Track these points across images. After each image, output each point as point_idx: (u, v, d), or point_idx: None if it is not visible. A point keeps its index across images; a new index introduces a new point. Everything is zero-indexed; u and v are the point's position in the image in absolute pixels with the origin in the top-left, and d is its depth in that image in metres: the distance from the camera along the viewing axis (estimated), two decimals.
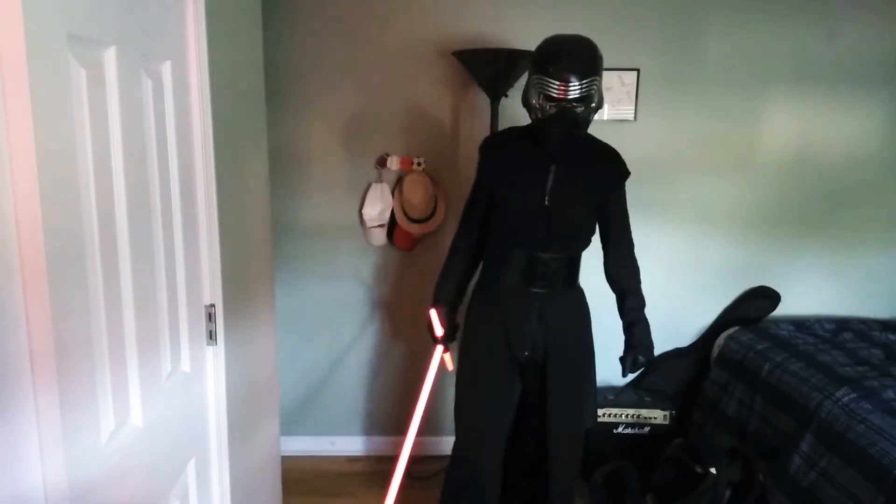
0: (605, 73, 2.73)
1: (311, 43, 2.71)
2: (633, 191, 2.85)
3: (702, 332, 3.01)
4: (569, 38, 1.82)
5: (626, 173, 1.98)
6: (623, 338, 2.02)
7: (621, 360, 2.03)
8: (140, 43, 1.14)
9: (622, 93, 2.75)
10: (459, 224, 2.11)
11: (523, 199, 1.91)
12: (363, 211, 2.78)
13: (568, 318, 2.00)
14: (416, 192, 2.71)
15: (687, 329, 3.01)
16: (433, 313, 2.04)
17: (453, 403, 2.10)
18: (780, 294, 2.96)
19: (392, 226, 2.80)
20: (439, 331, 2.03)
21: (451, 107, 2.76)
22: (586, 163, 1.93)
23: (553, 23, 2.67)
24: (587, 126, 1.87)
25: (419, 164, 2.75)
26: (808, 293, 2.99)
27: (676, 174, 2.85)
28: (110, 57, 1.03)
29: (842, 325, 2.86)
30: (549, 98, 1.77)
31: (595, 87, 1.78)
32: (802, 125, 2.84)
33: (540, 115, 1.82)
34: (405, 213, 2.75)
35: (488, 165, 1.99)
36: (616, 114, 2.77)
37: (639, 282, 2.06)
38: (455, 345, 2.12)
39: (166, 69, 1.27)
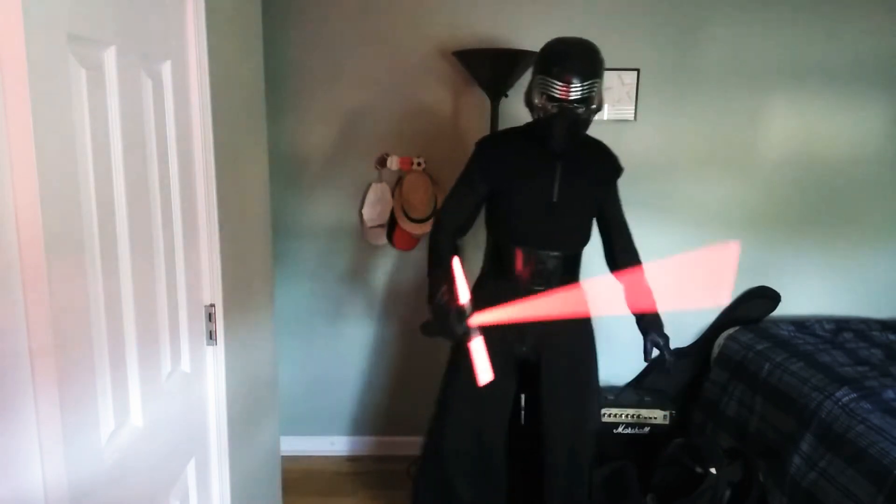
0: (605, 73, 2.74)
1: (310, 43, 2.71)
2: (634, 190, 2.86)
3: (702, 332, 3.01)
4: (573, 40, 1.85)
5: (621, 169, 2.05)
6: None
7: (648, 349, 1.98)
8: (140, 43, 1.14)
9: (622, 93, 2.74)
10: (441, 217, 2.00)
11: (531, 196, 1.94)
12: (363, 211, 2.78)
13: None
14: (416, 192, 2.71)
15: (687, 329, 3.01)
16: (456, 262, 1.61)
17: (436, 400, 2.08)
18: (780, 294, 2.96)
19: (392, 226, 2.80)
20: (465, 295, 1.61)
21: (451, 107, 2.76)
22: (586, 161, 1.98)
23: (553, 23, 2.68)
24: (587, 127, 1.89)
25: (419, 163, 2.75)
26: (808, 293, 2.99)
27: (676, 174, 2.85)
28: (110, 57, 1.03)
29: (842, 325, 2.86)
30: (552, 98, 1.80)
31: (596, 89, 1.82)
32: (802, 125, 2.84)
33: (542, 115, 1.85)
34: (405, 213, 2.75)
35: (489, 163, 1.97)
36: (616, 114, 2.77)
37: (643, 270, 2.10)
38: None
39: (166, 69, 1.26)
